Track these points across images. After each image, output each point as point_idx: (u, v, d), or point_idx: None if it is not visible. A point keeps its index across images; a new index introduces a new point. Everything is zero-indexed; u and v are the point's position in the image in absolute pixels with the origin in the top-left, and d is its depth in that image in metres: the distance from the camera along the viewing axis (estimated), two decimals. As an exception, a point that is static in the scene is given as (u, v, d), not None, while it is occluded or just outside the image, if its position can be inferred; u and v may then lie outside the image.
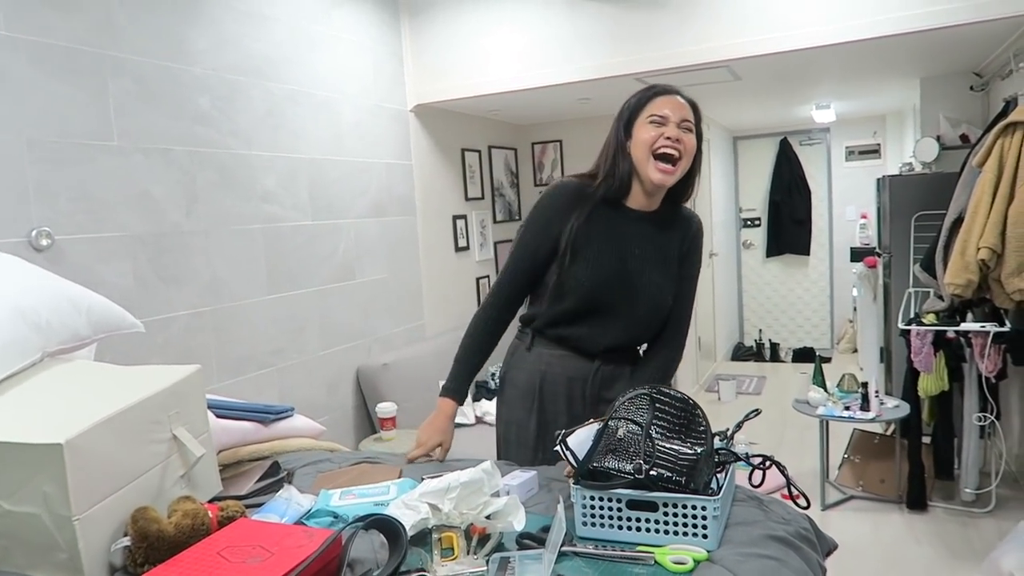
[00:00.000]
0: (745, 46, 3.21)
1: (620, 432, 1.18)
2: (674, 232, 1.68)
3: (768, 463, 1.28)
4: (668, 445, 1.17)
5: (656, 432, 1.20)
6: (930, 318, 3.26)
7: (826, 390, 3.45)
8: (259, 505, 1.35)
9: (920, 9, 2.92)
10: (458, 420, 3.74)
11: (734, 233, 7.09)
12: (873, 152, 6.53)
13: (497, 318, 1.73)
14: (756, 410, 1.41)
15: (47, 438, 1.08)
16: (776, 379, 5.96)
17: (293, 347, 3.07)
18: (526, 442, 1.72)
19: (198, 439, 1.34)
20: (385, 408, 3.15)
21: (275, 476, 1.59)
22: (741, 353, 6.87)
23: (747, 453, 1.29)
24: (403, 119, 3.87)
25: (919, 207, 3.86)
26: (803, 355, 6.54)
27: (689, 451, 1.15)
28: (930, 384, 3.13)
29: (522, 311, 1.78)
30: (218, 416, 1.66)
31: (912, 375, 3.30)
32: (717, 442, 1.33)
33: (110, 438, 1.15)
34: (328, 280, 3.28)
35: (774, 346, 6.78)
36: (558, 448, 1.18)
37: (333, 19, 3.35)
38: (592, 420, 1.26)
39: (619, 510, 1.15)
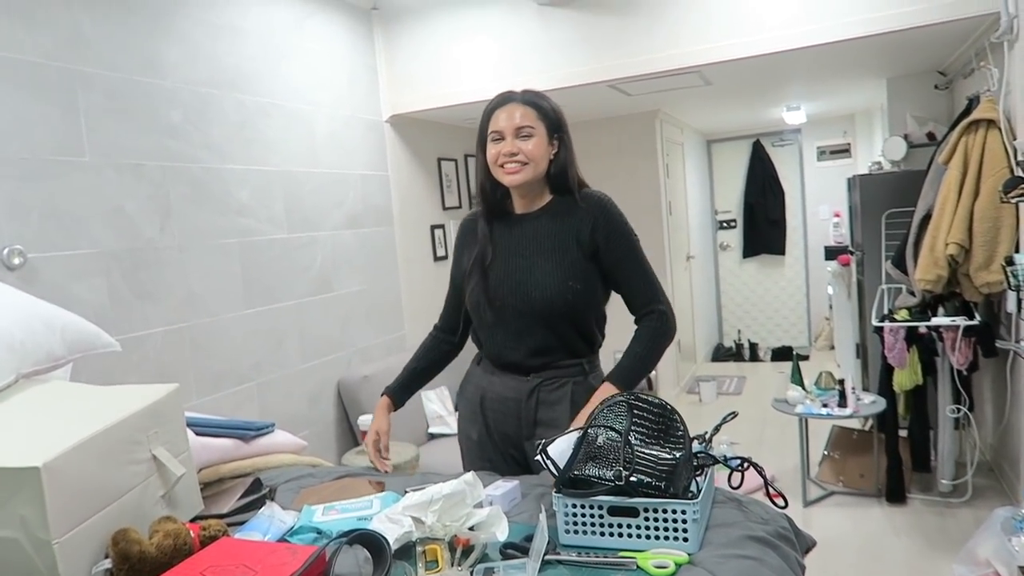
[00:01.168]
0: (712, 51, 3.25)
1: (600, 440, 1.20)
2: (571, 219, 1.64)
3: (746, 464, 1.30)
4: (647, 451, 1.18)
5: (635, 438, 1.21)
6: (902, 314, 3.31)
7: (804, 388, 3.50)
8: (242, 523, 1.35)
9: (885, 11, 2.98)
10: (440, 430, 3.76)
11: (710, 235, 7.16)
12: (844, 151, 6.63)
13: (440, 339, 1.89)
14: (733, 412, 1.43)
15: (23, 461, 1.06)
16: (756, 378, 6.02)
17: (272, 361, 3.05)
18: (474, 453, 1.79)
19: (178, 458, 1.33)
20: (366, 420, 3.13)
21: (257, 493, 1.58)
22: (721, 354, 6.94)
23: (725, 456, 1.31)
24: (378, 129, 3.87)
25: (889, 205, 3.93)
26: (782, 354, 6.62)
27: (668, 456, 1.17)
28: (905, 379, 3.19)
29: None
30: (198, 434, 1.65)
31: (887, 371, 3.36)
32: (696, 445, 1.35)
33: (88, 460, 1.14)
34: (306, 293, 3.27)
35: (753, 346, 6.85)
36: (539, 457, 1.19)
37: (305, 30, 3.35)
38: (572, 428, 1.27)
39: (601, 517, 1.16)
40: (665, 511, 1.13)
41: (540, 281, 1.61)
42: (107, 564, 1.12)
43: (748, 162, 7.01)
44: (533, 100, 1.66)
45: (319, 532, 1.27)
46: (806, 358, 6.49)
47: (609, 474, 1.16)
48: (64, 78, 2.25)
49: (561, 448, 1.21)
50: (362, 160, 3.72)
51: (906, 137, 4.16)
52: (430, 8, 3.78)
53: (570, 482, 1.18)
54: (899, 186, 3.90)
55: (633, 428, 1.22)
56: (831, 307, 5.94)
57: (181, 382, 2.60)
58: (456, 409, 1.89)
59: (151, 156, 2.53)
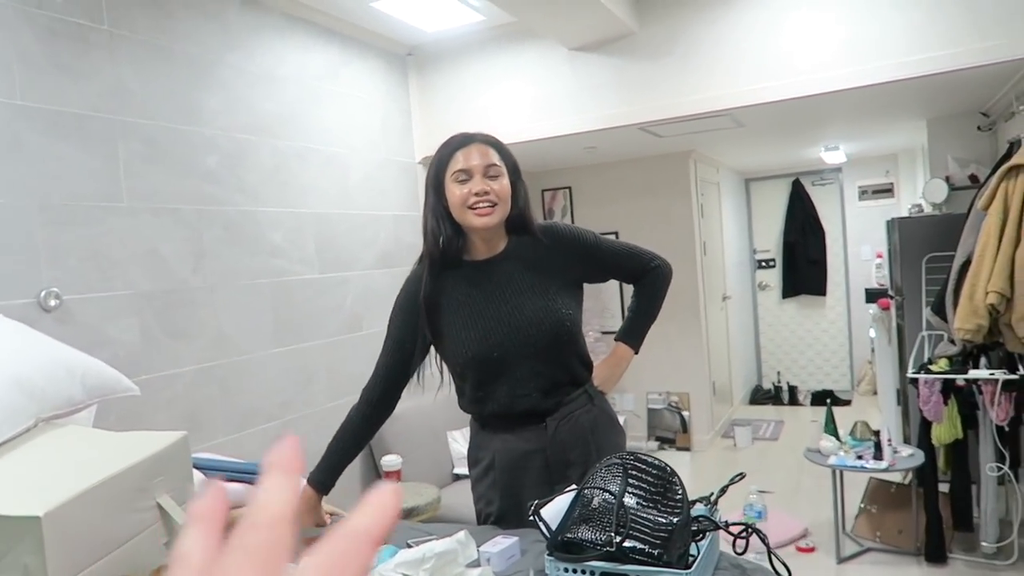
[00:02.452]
0: (743, 95, 3.24)
1: (595, 502, 1.18)
2: (539, 252, 1.63)
3: (749, 531, 1.26)
4: (644, 514, 1.16)
5: (634, 500, 1.19)
6: (942, 363, 3.20)
7: (838, 438, 3.38)
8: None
9: (923, 54, 2.93)
10: (466, 471, 3.74)
11: (749, 275, 7.05)
12: (886, 191, 6.49)
13: (371, 415, 1.69)
14: (740, 474, 1.39)
15: (26, 510, 1.09)
16: (794, 423, 5.85)
17: (300, 399, 3.10)
18: (496, 517, 1.66)
19: (183, 506, 1.36)
20: (390, 461, 3.14)
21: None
22: (759, 396, 6.77)
23: (726, 522, 1.27)
24: (411, 171, 3.94)
25: (930, 248, 3.82)
26: (822, 397, 6.42)
27: (664, 520, 1.14)
28: (943, 432, 3.06)
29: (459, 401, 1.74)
30: (209, 478, 1.68)
31: (925, 422, 3.23)
32: (701, 508, 1.32)
33: (91, 508, 1.17)
34: (336, 332, 3.32)
35: (792, 389, 6.67)
36: (532, 519, 1.18)
37: (340, 76, 3.46)
38: (566, 489, 1.26)
39: (594, 582, 1.14)
40: (659, 579, 1.10)
41: (535, 317, 1.57)
42: (104, 612, 1.14)
43: (787, 200, 6.91)
44: (495, 142, 1.61)
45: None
46: (848, 403, 6.29)
47: (603, 538, 1.14)
48: (106, 128, 2.36)
49: (555, 509, 1.19)
50: (395, 201, 3.79)
51: (947, 179, 4.06)
52: (463, 53, 3.87)
53: (563, 545, 1.16)
54: (940, 229, 3.80)
55: (632, 490, 1.20)
56: (873, 351, 5.77)
57: (209, 421, 2.67)
58: (470, 472, 1.79)
59: (187, 200, 2.63)
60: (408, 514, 2.92)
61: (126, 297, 2.41)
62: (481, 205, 1.53)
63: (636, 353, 1.81)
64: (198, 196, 2.67)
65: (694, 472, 4.75)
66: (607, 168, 5.24)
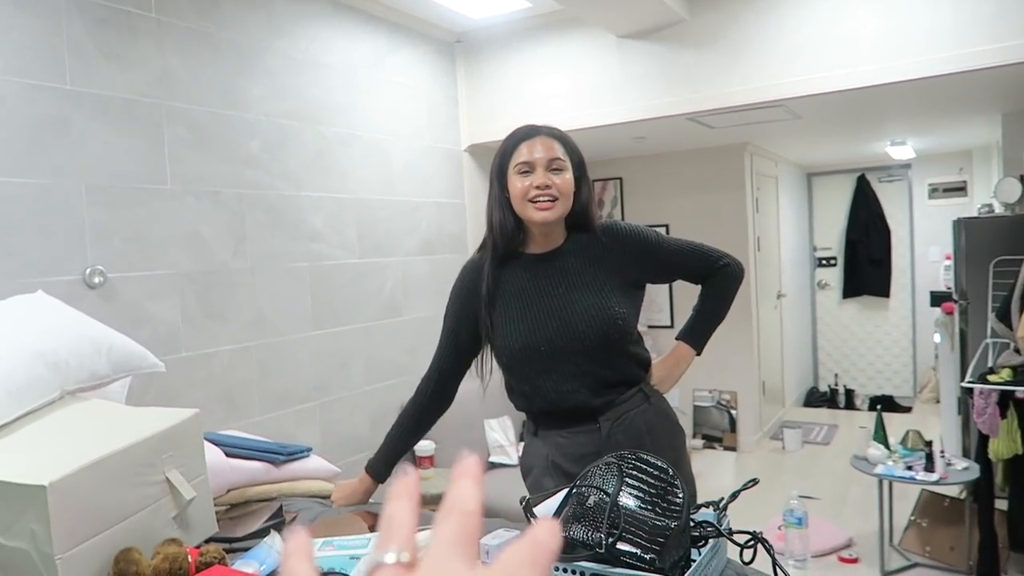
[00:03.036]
0: (797, 85, 3.12)
1: (590, 500, 1.14)
2: (597, 253, 1.59)
3: (754, 541, 1.20)
4: (642, 516, 1.12)
5: (633, 500, 1.15)
6: (1005, 373, 3.00)
7: (887, 446, 3.23)
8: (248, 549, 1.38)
9: (992, 44, 2.76)
10: (500, 459, 3.73)
11: (808, 272, 6.81)
12: (959, 190, 6.16)
13: (427, 406, 1.70)
14: (754, 479, 1.33)
15: (34, 479, 1.13)
16: (849, 428, 5.62)
17: (336, 382, 3.15)
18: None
19: (193, 481, 1.39)
20: (424, 447, 3.17)
21: (278, 519, 1.62)
22: (814, 399, 6.55)
23: (730, 529, 1.21)
24: (456, 159, 3.94)
25: (999, 252, 3.60)
26: (881, 403, 6.16)
27: (662, 524, 1.10)
28: (1001, 447, 2.88)
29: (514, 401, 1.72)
30: (228, 455, 1.71)
31: (983, 435, 3.05)
32: (709, 513, 1.27)
33: (96, 480, 1.20)
34: (374, 317, 3.36)
35: (849, 393, 6.42)
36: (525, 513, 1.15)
37: (388, 64, 3.47)
38: (562, 487, 1.23)
39: (585, 582, 1.11)
40: (652, 584, 1.06)
41: (586, 314, 1.54)
42: (107, 582, 1.17)
43: (851, 197, 6.63)
44: (561, 135, 1.58)
45: (314, 568, 1.28)
46: (908, 410, 6.02)
47: (595, 538, 1.10)
48: (152, 112, 2.43)
49: (550, 506, 1.16)
50: (438, 188, 3.80)
51: (1022, 178, 3.81)
52: (511, 41, 3.84)
53: (555, 543, 1.13)
54: (1011, 232, 3.58)
55: (632, 491, 1.16)
56: (936, 356, 5.50)
57: (245, 400, 2.73)
58: (525, 481, 1.71)
59: (229, 184, 2.69)
60: (438, 500, 2.93)
61: (168, 277, 2.48)
62: (542, 199, 1.51)
63: (699, 354, 1.74)
64: (240, 180, 2.73)
65: (737, 473, 4.63)
66: (658, 159, 5.13)
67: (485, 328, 1.61)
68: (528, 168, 1.52)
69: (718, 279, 1.69)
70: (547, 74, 3.76)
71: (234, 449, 1.75)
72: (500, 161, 1.58)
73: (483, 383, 1.70)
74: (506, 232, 1.56)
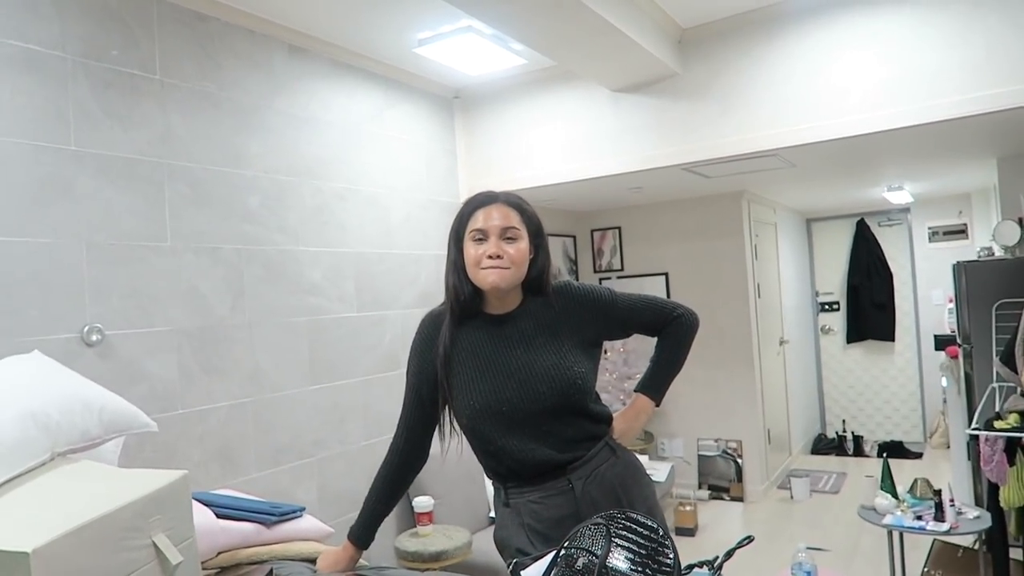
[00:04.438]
0: (789, 135, 3.16)
1: (579, 563, 1.12)
2: (552, 312, 1.60)
3: (750, 601, 1.17)
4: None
5: (624, 562, 1.13)
6: (1012, 419, 2.96)
7: (895, 495, 3.16)
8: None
9: (977, 92, 2.80)
10: (495, 514, 3.65)
11: (810, 318, 6.79)
12: (960, 232, 6.17)
13: (399, 465, 1.67)
14: (749, 537, 1.31)
15: (16, 545, 1.12)
16: (858, 476, 5.51)
17: (334, 437, 3.12)
18: None
19: (180, 545, 1.37)
20: (422, 502, 3.12)
21: (267, 582, 1.58)
22: (822, 446, 6.44)
23: (724, 589, 1.19)
24: (455, 211, 3.97)
25: (1001, 294, 3.59)
26: (890, 449, 6.07)
27: (653, 586, 1.08)
28: (1012, 495, 2.82)
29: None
30: (219, 516, 1.69)
31: (993, 483, 2.98)
32: (703, 573, 1.25)
33: (81, 546, 1.19)
34: (372, 370, 3.35)
35: (857, 439, 6.32)
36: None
37: (386, 119, 3.54)
38: (551, 550, 1.20)
39: (575, 648, 1.08)
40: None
41: (546, 375, 1.54)
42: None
43: (851, 242, 6.65)
44: (518, 203, 1.60)
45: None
46: (919, 456, 5.92)
47: (586, 602, 1.08)
48: (154, 171, 2.48)
49: (538, 569, 1.14)
50: (437, 241, 3.82)
51: (1020, 221, 3.83)
52: (508, 95, 3.92)
53: (544, 607, 1.11)
54: (1011, 274, 3.58)
55: (622, 551, 1.14)
56: (944, 401, 5.43)
57: (242, 456, 2.71)
58: (502, 556, 1.63)
59: (228, 240, 2.72)
60: (436, 558, 2.88)
61: (166, 333, 2.49)
62: (492, 268, 1.52)
63: (657, 405, 1.75)
64: (239, 236, 2.76)
65: (745, 525, 4.53)
66: (656, 208, 5.18)
67: (443, 389, 1.59)
68: (482, 236, 1.53)
69: (672, 329, 1.71)
70: (544, 127, 3.83)
71: (225, 510, 1.73)
72: (457, 226, 1.59)
73: (444, 446, 1.67)
74: (461, 296, 1.57)
